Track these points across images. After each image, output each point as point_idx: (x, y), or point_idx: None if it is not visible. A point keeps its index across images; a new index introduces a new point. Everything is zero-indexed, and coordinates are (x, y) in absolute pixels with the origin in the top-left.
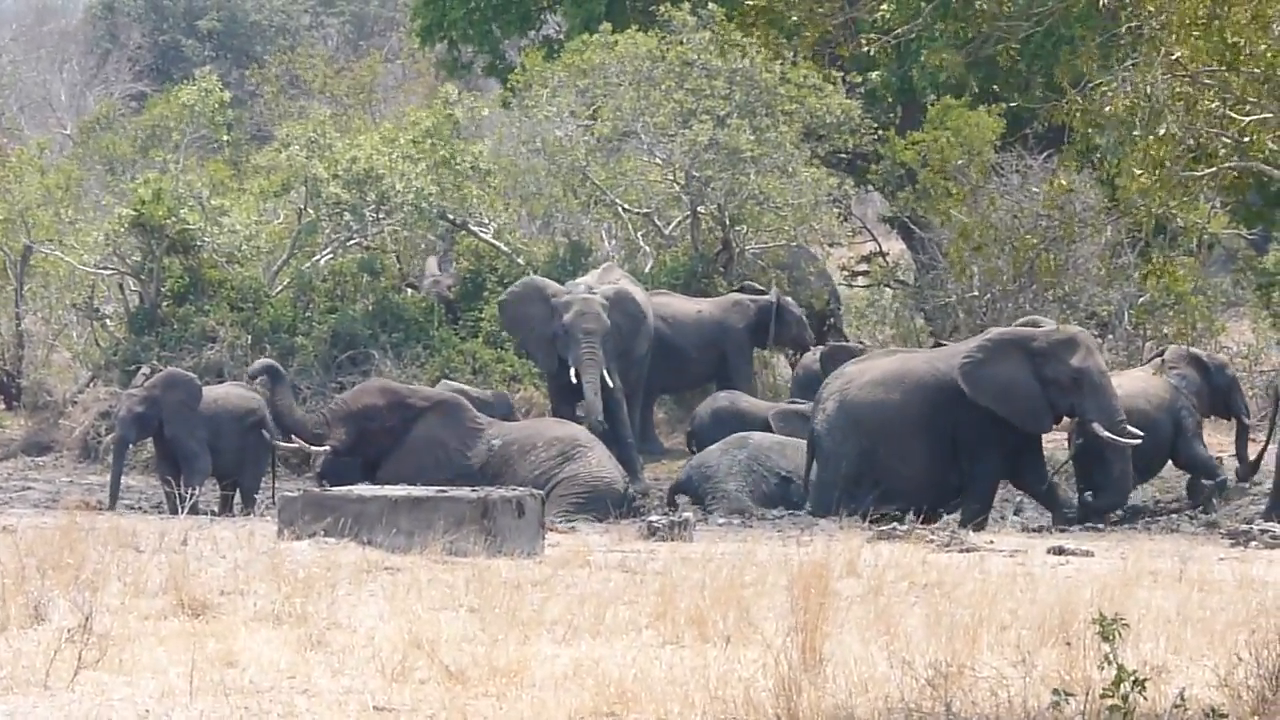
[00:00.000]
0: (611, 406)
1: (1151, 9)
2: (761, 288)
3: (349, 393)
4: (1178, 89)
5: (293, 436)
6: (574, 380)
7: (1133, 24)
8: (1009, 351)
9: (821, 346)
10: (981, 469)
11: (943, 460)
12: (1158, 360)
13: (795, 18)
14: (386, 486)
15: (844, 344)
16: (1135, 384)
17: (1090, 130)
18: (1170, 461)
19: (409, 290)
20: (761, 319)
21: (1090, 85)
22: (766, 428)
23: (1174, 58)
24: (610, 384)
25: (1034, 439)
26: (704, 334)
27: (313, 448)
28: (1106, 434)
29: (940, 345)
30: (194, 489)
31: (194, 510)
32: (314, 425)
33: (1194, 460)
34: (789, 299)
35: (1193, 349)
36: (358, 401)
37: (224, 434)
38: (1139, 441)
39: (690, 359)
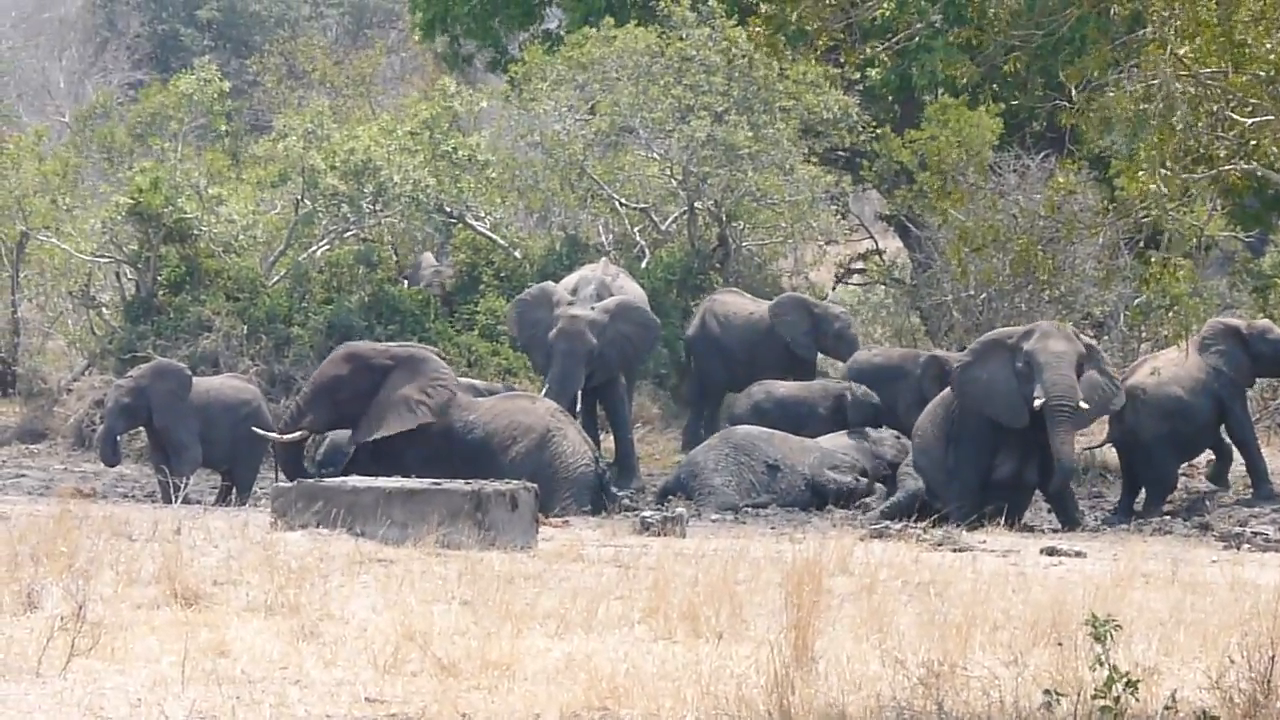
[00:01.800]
0: (615, 405)
1: (1159, 8)
2: (807, 297)
3: (316, 371)
4: (1182, 89)
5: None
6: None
7: (1143, 28)
8: (993, 352)
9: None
10: (959, 466)
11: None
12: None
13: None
14: (380, 478)
15: (940, 355)
16: (1169, 369)
17: (1100, 132)
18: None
19: (404, 282)
20: (803, 325)
21: (1094, 86)
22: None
23: (1179, 55)
24: (578, 406)
25: (1025, 435)
26: (754, 334)
27: (286, 436)
28: (1039, 402)
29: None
30: (185, 479)
31: (187, 500)
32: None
33: (1245, 439)
34: (833, 306)
35: (1229, 320)
36: (322, 376)
37: (216, 425)
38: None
39: (739, 360)
